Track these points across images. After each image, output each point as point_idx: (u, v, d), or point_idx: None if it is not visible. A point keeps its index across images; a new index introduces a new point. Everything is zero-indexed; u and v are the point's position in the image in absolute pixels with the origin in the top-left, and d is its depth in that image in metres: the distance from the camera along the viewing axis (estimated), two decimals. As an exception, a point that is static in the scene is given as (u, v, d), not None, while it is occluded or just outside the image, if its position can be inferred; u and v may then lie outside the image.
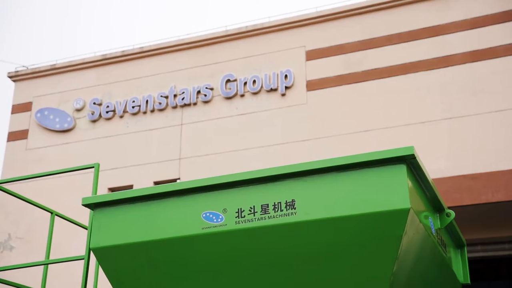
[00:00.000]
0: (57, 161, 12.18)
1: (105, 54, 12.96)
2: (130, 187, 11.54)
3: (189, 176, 11.13)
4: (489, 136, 9.74)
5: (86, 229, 4.38)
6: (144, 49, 12.67)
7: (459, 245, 4.04)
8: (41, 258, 10.37)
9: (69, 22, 36.22)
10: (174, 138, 11.78)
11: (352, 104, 10.81)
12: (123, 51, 12.82)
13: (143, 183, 11.24)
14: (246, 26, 12.08)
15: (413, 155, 2.86)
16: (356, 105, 10.78)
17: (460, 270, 3.99)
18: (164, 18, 35.47)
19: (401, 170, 2.88)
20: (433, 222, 3.32)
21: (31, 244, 11.79)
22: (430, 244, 3.22)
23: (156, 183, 11.43)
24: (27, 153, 12.78)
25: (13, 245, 12.05)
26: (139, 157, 11.86)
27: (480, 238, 9.71)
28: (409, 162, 2.92)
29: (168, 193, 3.30)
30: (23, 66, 13.54)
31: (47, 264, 4.10)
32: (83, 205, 3.47)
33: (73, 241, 10.08)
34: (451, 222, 3.48)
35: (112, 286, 3.42)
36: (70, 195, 11.48)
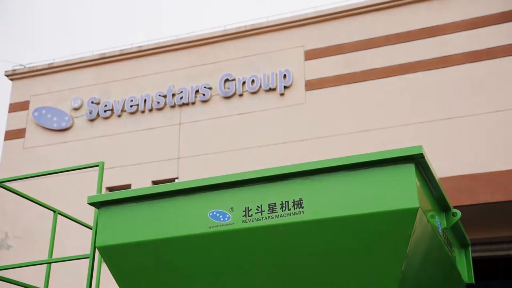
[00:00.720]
0: (55, 160, 12.14)
1: (103, 53, 12.93)
2: (128, 186, 11.51)
3: (188, 175, 11.11)
4: (488, 136, 9.76)
5: (89, 227, 4.36)
6: (143, 48, 12.64)
7: (463, 245, 4.05)
8: (39, 257, 10.32)
9: (67, 21, 36.15)
10: (172, 138, 11.76)
11: (351, 104, 10.81)
12: (121, 50, 12.79)
13: (141, 183, 11.21)
14: (245, 26, 12.06)
15: (421, 154, 2.86)
16: (355, 105, 10.78)
17: (465, 270, 4.00)
18: (162, 17, 35.43)
19: (410, 170, 2.88)
20: (440, 222, 3.32)
21: (28, 243, 11.75)
22: (437, 244, 3.22)
23: (154, 182, 11.40)
24: (25, 152, 12.73)
25: (10, 244, 12.01)
26: (137, 157, 11.83)
27: (479, 238, 9.72)
28: (418, 161, 2.92)
29: (174, 192, 3.28)
30: (21, 65, 13.50)
31: (51, 263, 4.08)
32: (88, 203, 3.44)
33: (70, 240, 10.05)
34: (456, 221, 3.48)
35: (118, 285, 3.40)
36: (68, 194, 11.45)
